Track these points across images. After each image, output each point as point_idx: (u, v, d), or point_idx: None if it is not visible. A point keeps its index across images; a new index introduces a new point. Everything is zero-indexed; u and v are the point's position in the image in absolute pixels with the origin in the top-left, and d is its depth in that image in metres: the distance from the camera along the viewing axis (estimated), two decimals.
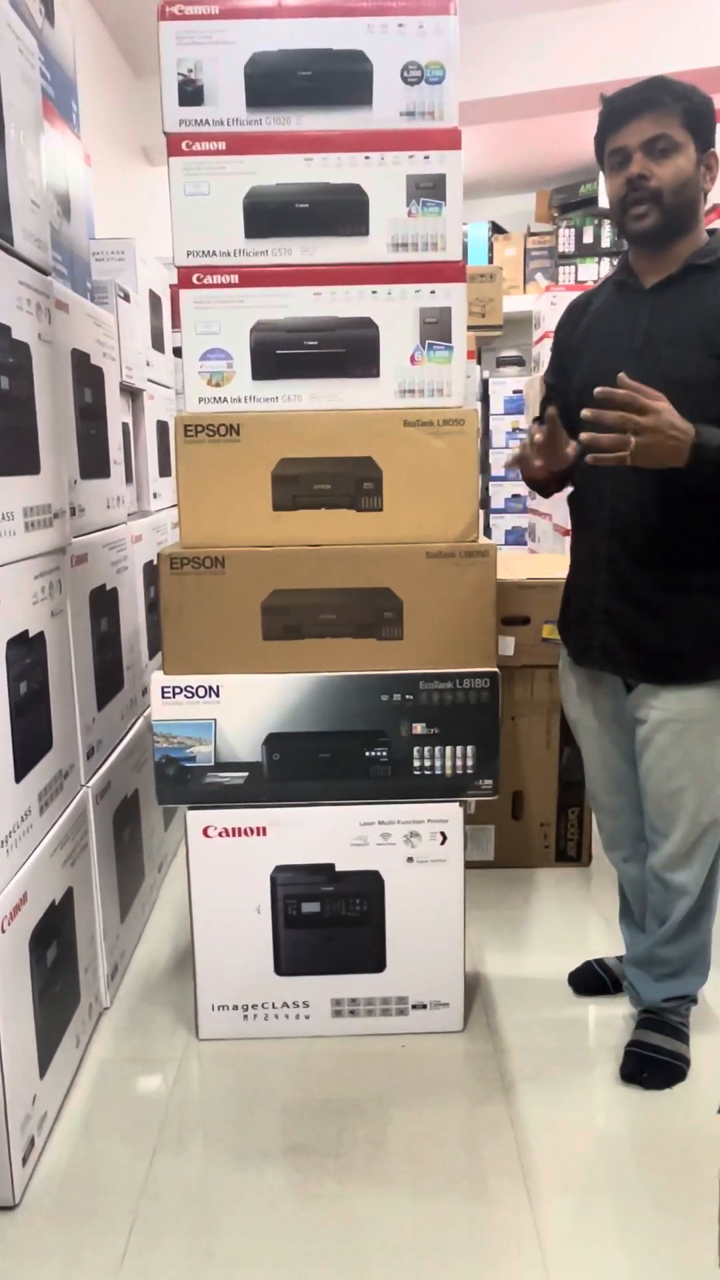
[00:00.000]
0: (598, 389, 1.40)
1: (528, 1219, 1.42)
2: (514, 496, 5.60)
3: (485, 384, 5.48)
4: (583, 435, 1.42)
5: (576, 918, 2.34)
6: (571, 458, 1.62)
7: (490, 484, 5.55)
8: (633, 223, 1.57)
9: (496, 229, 5.98)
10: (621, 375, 1.41)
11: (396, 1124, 1.64)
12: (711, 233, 1.63)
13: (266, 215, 1.68)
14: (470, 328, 3.58)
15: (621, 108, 1.55)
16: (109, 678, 2.06)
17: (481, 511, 6.18)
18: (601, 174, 1.65)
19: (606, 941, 2.15)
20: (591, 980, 1.99)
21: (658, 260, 1.61)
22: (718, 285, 1.56)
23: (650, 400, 1.41)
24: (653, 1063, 1.72)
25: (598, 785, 1.85)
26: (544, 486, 1.77)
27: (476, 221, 5.87)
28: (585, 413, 1.41)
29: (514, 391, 5.59)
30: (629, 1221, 1.42)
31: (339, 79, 1.65)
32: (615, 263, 1.72)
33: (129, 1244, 1.40)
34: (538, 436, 1.60)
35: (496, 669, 1.76)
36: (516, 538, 5.60)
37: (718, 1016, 1.89)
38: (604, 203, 1.77)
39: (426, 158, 1.67)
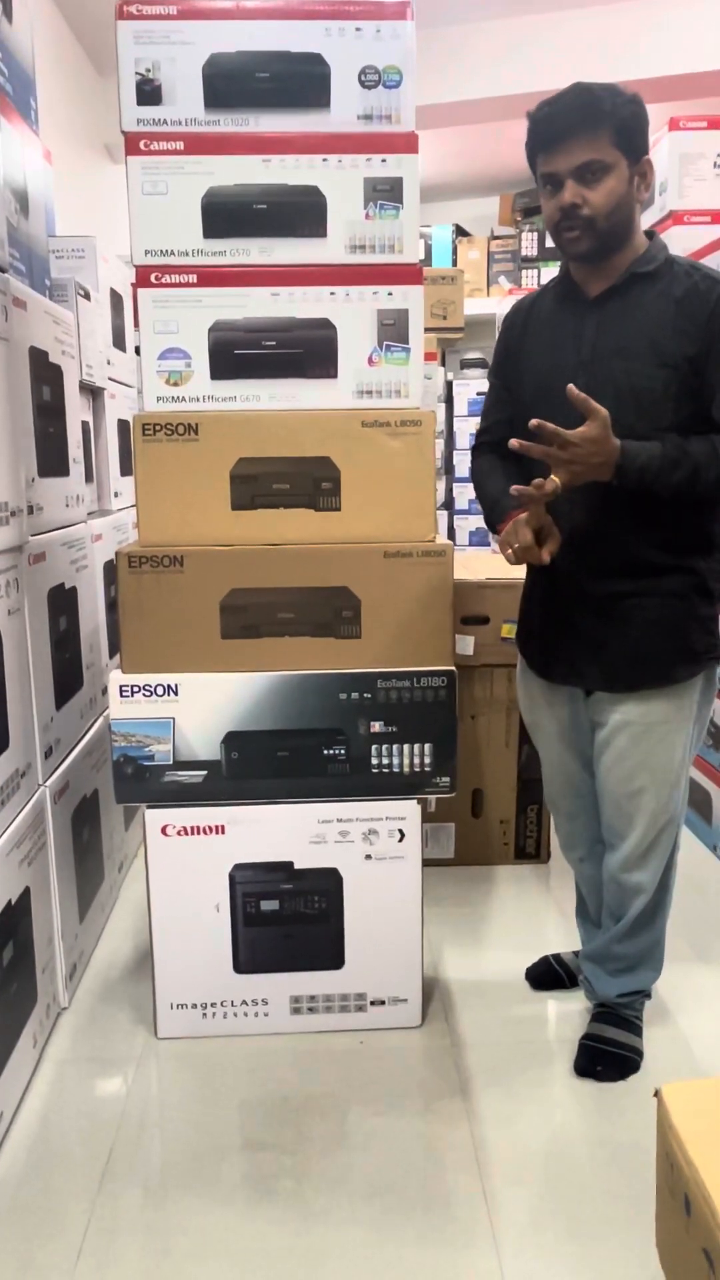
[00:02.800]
0: (532, 421, 1.47)
1: (483, 1211, 1.44)
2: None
3: (449, 386, 5.51)
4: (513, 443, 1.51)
5: (534, 914, 2.36)
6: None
7: (454, 485, 5.58)
8: (568, 245, 1.58)
9: (460, 231, 6.02)
10: (570, 387, 1.45)
11: (354, 1120, 1.65)
12: (650, 235, 1.64)
13: (225, 215, 1.69)
14: (431, 329, 3.60)
15: (551, 130, 1.53)
16: (68, 677, 2.05)
17: (445, 513, 6.16)
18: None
19: (564, 937, 2.18)
20: (548, 975, 2.01)
21: (599, 272, 1.61)
22: (661, 293, 1.57)
23: (576, 433, 1.46)
24: (607, 1056, 1.75)
25: (555, 789, 1.87)
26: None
27: (441, 224, 5.90)
28: (513, 443, 1.50)
29: (477, 393, 5.62)
30: (581, 1211, 1.44)
31: (297, 81, 1.66)
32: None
33: (84, 1242, 1.39)
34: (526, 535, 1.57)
35: (454, 667, 1.78)
36: (480, 539, 5.63)
37: (670, 1010, 1.92)
38: None
39: (384, 161, 1.69)
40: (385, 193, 1.69)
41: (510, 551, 1.58)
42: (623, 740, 1.67)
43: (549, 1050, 1.82)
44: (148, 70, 1.65)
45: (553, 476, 1.49)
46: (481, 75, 4.38)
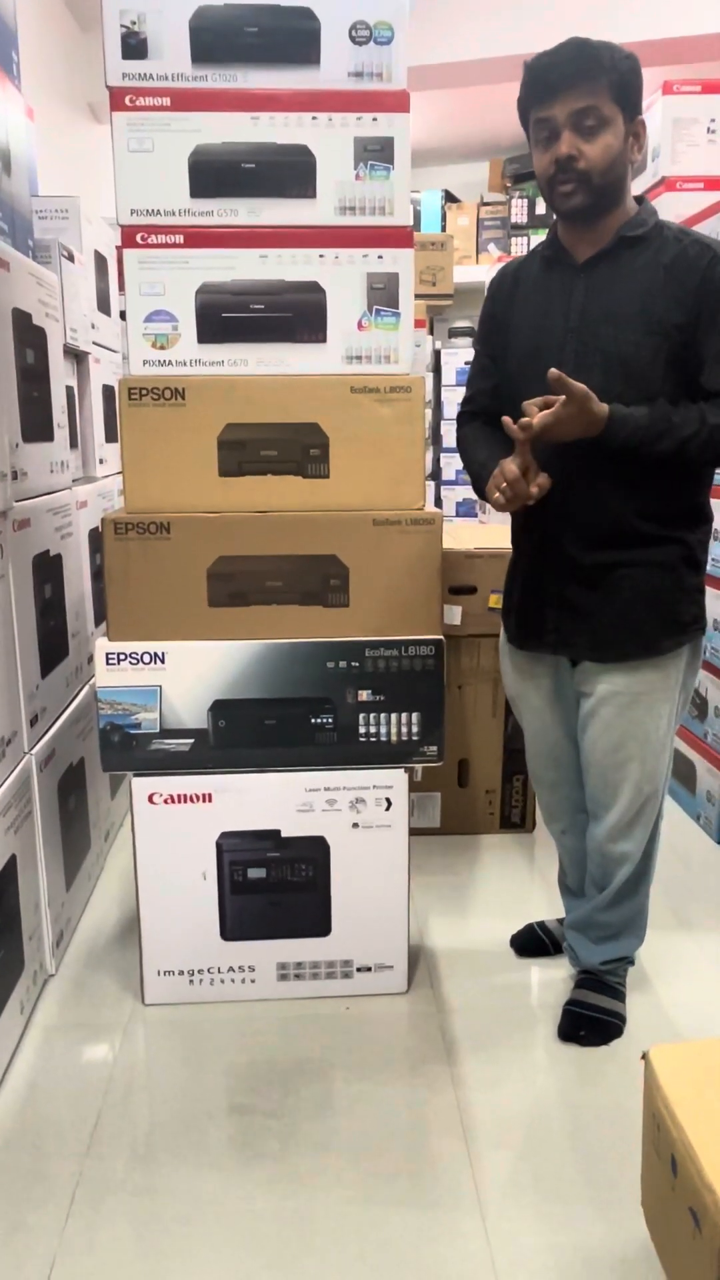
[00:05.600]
0: (504, 420, 1.50)
1: (467, 1173, 1.46)
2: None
3: (437, 354, 5.46)
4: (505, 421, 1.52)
5: (519, 882, 2.38)
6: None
7: (441, 455, 5.55)
8: (561, 201, 1.55)
9: (450, 197, 5.94)
10: (551, 370, 1.44)
11: (340, 1084, 1.66)
12: (640, 201, 1.62)
13: (212, 175, 1.66)
14: (420, 296, 3.56)
15: (548, 79, 1.51)
16: (53, 645, 2.04)
17: (433, 483, 6.11)
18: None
19: (548, 904, 2.20)
20: (532, 942, 2.03)
21: (588, 234, 1.59)
22: (650, 258, 1.56)
23: (549, 414, 1.46)
24: (590, 1021, 1.77)
25: (538, 761, 1.87)
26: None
27: (430, 189, 5.83)
28: (506, 422, 1.51)
29: (465, 363, 5.58)
30: (564, 1173, 1.46)
31: (286, 36, 1.63)
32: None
33: (73, 1206, 1.40)
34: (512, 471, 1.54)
35: (441, 637, 1.78)
36: (468, 509, 5.62)
37: (653, 976, 1.94)
38: None
39: (375, 120, 1.65)
40: (376, 153, 1.66)
41: (498, 494, 1.56)
42: (609, 710, 1.67)
43: (533, 1015, 1.84)
44: (133, 23, 1.61)
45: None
46: (473, 36, 4.29)
